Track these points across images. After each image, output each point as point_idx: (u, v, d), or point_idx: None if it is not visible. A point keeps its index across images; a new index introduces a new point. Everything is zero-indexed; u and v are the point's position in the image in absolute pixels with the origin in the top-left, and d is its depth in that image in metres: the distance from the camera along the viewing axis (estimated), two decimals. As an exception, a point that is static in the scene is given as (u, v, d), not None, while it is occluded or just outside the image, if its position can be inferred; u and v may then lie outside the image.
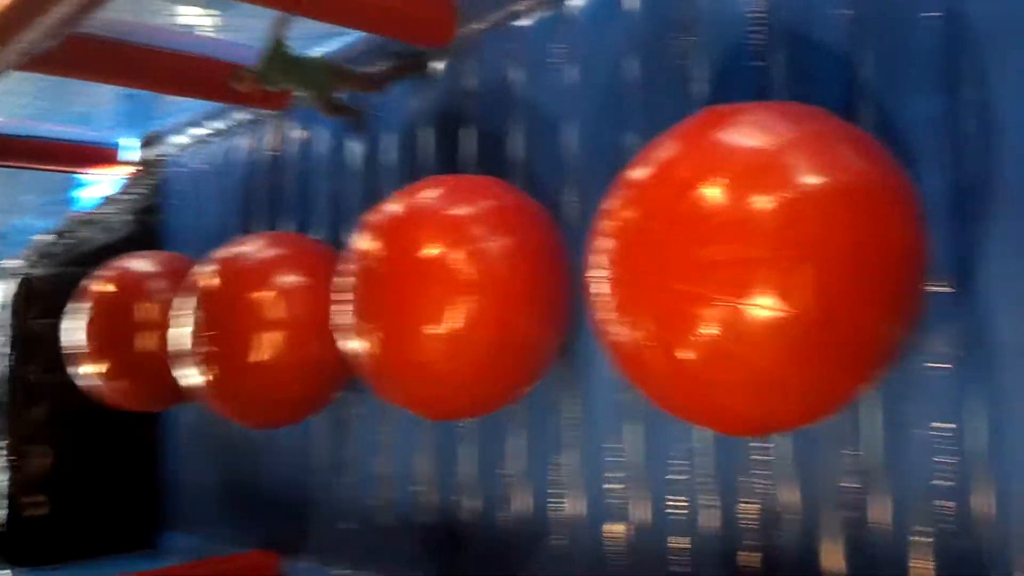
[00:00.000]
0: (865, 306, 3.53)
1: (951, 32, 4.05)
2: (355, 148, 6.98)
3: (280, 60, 6.11)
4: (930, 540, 3.95)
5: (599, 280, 3.95)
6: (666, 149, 3.93)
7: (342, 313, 5.28)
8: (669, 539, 4.82)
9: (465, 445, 5.92)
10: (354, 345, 5.19)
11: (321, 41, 6.86)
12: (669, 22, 5.03)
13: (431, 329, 4.86)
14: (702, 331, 3.54)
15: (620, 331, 3.87)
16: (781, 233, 3.51)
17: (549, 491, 5.41)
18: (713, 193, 3.63)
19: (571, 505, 5.31)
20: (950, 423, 3.92)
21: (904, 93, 4.19)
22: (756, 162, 3.67)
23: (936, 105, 4.07)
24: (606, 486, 5.11)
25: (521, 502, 5.58)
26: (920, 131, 4.10)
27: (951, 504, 3.90)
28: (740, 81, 4.71)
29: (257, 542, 7.35)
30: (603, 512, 5.12)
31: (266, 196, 7.79)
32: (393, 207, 5.27)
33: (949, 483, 3.91)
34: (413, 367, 4.98)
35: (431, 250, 4.98)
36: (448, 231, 5.04)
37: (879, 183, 3.71)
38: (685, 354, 3.64)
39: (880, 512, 4.11)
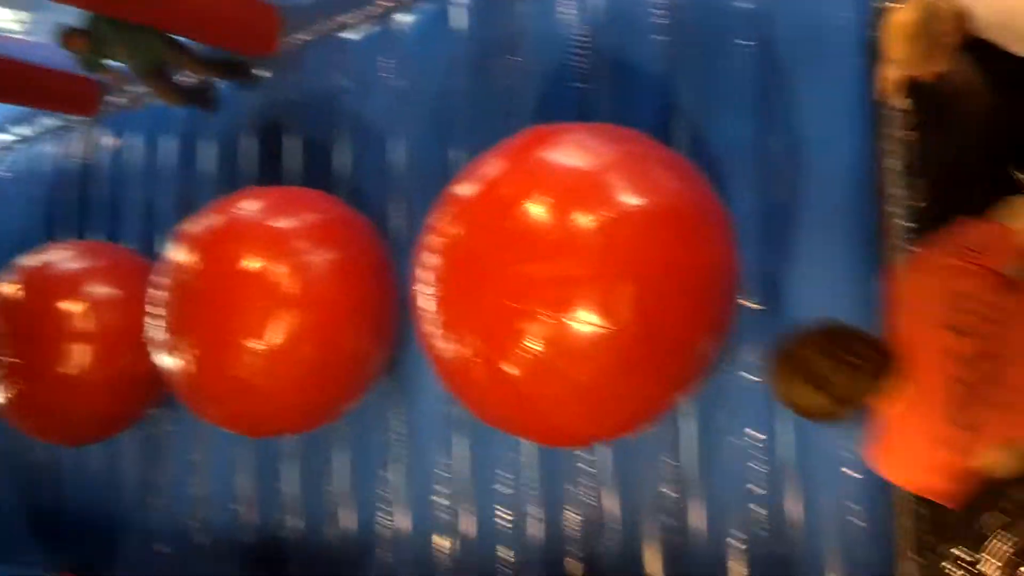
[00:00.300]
0: (681, 321, 3.68)
1: (761, 59, 4.27)
2: (171, 156, 6.75)
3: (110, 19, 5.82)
4: (745, 545, 4.13)
5: (425, 295, 3.95)
6: (491, 166, 3.98)
7: (157, 326, 5.07)
8: (496, 549, 4.86)
9: (288, 462, 5.79)
10: (169, 360, 4.99)
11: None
12: (495, 42, 5.12)
13: (250, 344, 4.73)
14: (525, 346, 3.59)
15: (446, 346, 3.89)
16: (601, 251, 3.62)
17: (376, 506, 5.36)
18: (536, 211, 3.70)
19: (398, 519, 5.27)
20: (762, 432, 4.11)
21: (717, 117, 4.39)
22: (577, 182, 3.78)
23: (746, 129, 4.28)
24: (433, 499, 5.10)
25: (347, 518, 5.50)
26: (732, 154, 4.31)
27: (764, 510, 4.09)
28: (563, 102, 4.83)
29: (67, 566, 6.97)
30: (430, 525, 5.11)
31: (75, 206, 7.43)
32: (211, 218, 5.11)
33: (762, 490, 4.10)
34: (231, 383, 4.83)
35: (251, 263, 4.84)
36: (269, 243, 4.92)
37: (693, 204, 3.88)
38: (509, 368, 3.68)
39: (698, 518, 4.27)
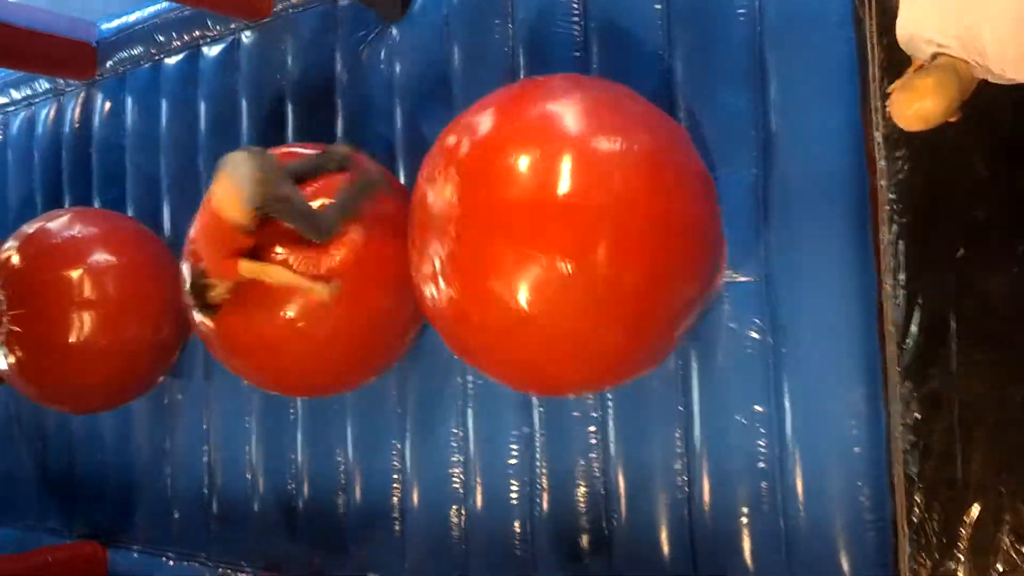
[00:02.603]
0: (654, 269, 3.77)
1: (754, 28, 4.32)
2: (168, 120, 6.72)
3: None
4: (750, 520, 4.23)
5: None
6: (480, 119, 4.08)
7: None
8: (508, 522, 4.93)
9: (301, 431, 5.82)
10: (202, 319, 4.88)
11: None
12: (489, 7, 5.12)
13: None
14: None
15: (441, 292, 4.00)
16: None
17: (388, 477, 5.42)
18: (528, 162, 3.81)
19: (411, 490, 5.34)
20: (767, 408, 4.20)
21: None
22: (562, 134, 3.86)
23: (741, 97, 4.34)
24: (448, 471, 5.16)
25: (360, 488, 5.55)
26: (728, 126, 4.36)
27: (769, 485, 4.19)
28: (560, 69, 4.82)
29: (81, 533, 7.07)
30: (443, 497, 5.18)
31: (72, 171, 7.36)
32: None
33: (764, 465, 4.20)
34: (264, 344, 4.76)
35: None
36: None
37: (675, 162, 3.97)
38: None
39: (705, 492, 4.36)
